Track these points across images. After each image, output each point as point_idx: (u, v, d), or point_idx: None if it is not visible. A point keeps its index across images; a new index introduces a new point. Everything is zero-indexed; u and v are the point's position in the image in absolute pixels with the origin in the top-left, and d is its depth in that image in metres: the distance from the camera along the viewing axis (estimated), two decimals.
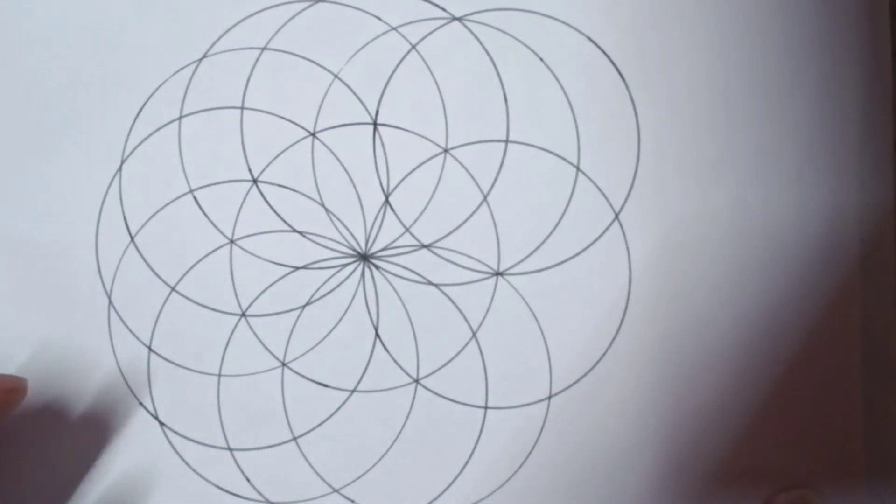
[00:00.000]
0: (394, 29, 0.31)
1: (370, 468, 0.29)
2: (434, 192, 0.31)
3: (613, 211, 0.30)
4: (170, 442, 0.29)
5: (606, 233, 0.30)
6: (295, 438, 0.29)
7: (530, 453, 0.29)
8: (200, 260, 0.31)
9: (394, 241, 0.31)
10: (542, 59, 0.31)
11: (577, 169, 0.31)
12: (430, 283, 0.30)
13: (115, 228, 0.31)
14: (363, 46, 0.31)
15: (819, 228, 0.31)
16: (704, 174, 0.31)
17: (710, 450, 0.30)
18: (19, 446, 0.31)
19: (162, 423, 0.29)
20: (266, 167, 0.31)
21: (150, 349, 0.31)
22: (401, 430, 0.29)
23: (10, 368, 0.31)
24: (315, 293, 0.30)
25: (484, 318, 0.30)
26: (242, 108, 0.31)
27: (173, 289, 0.31)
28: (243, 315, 0.31)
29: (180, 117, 0.31)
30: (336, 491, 0.29)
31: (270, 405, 0.29)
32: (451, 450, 0.29)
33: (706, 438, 0.30)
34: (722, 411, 0.30)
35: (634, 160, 0.31)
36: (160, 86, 0.32)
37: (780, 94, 0.31)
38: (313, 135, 0.31)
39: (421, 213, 0.31)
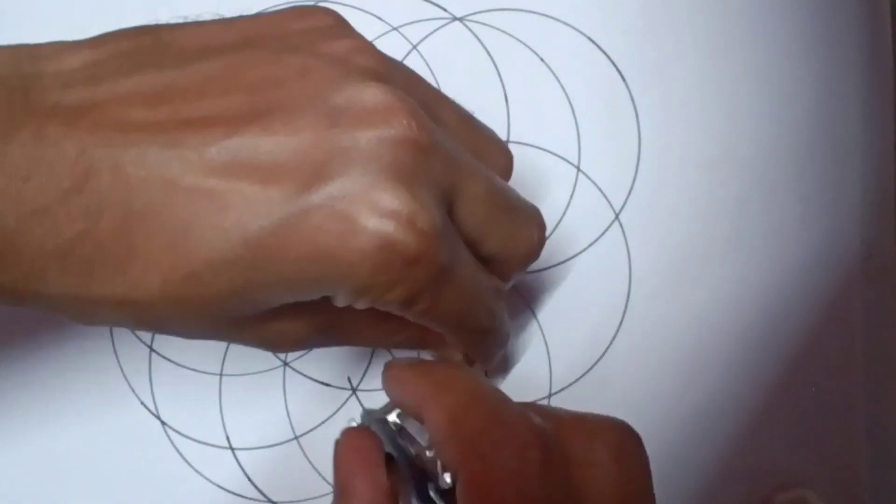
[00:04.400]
0: (395, 29, 0.31)
1: None
2: None
3: (613, 211, 0.31)
4: (171, 441, 0.29)
5: (606, 233, 0.30)
6: (297, 437, 0.29)
7: None
8: None
9: None
10: (542, 59, 0.31)
11: (578, 169, 0.31)
12: None
13: None
14: None
15: (820, 228, 0.31)
16: (704, 174, 0.31)
17: (710, 449, 0.30)
18: (19, 445, 0.31)
19: (163, 423, 0.29)
20: None
21: (151, 349, 0.31)
22: None
23: (10, 368, 0.31)
24: None
25: None
26: None
27: None
28: None
29: None
30: None
31: (272, 404, 0.29)
32: None
33: (706, 438, 0.30)
34: (721, 411, 0.30)
35: (635, 160, 0.31)
36: None
37: (780, 94, 0.31)
38: None
39: None
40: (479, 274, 0.22)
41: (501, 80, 0.31)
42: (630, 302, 0.30)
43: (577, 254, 0.30)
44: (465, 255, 0.21)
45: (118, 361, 0.31)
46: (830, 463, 0.30)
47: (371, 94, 0.19)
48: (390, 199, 0.19)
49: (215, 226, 0.18)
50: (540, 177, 0.31)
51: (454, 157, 0.20)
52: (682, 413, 0.30)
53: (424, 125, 0.19)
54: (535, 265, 0.30)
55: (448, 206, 0.21)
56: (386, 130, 0.19)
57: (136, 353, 0.31)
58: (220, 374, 0.30)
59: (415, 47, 0.31)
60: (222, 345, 0.30)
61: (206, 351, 0.30)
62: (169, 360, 0.31)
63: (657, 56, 0.31)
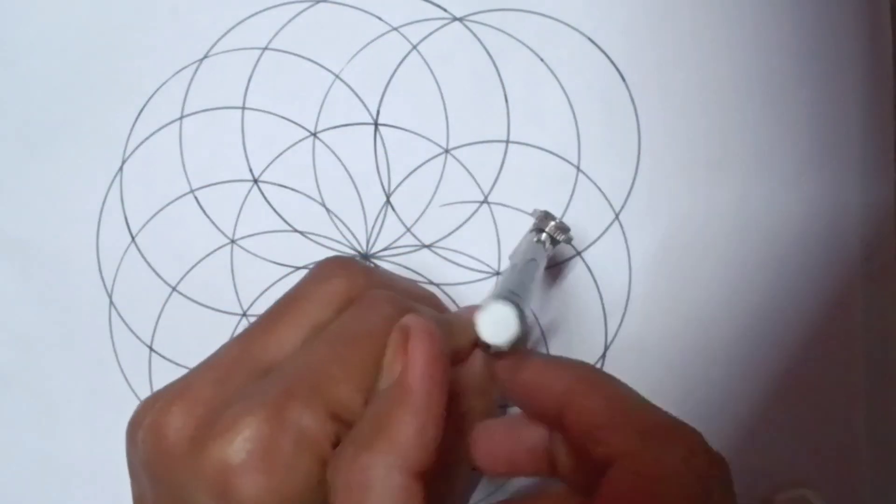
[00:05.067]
0: (395, 29, 0.31)
1: None
2: (435, 192, 0.31)
3: (613, 211, 0.31)
4: None
5: (606, 233, 0.30)
6: None
7: None
8: (201, 260, 0.31)
9: (395, 241, 0.31)
10: (542, 59, 0.31)
11: (578, 169, 0.31)
12: (431, 283, 0.30)
13: (116, 228, 0.31)
14: (364, 46, 0.31)
15: (820, 229, 0.31)
16: (704, 174, 0.31)
17: None
18: (20, 445, 0.31)
19: None
20: (267, 167, 0.31)
21: (151, 349, 0.31)
22: None
23: (10, 368, 0.31)
24: None
25: None
26: (243, 108, 0.31)
27: (174, 289, 0.31)
28: (244, 315, 0.31)
29: (181, 117, 0.31)
30: None
31: None
32: None
33: (706, 438, 0.30)
34: (722, 411, 0.30)
35: (634, 160, 0.31)
36: (161, 86, 0.32)
37: (780, 94, 0.31)
38: (314, 135, 0.31)
39: (422, 214, 0.31)
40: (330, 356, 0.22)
41: (501, 80, 0.31)
42: (630, 302, 0.30)
43: (577, 254, 0.30)
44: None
45: (118, 361, 0.31)
46: (830, 463, 0.30)
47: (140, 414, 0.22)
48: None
49: None
50: (540, 177, 0.31)
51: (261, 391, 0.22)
52: (681, 413, 0.30)
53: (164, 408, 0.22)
54: None
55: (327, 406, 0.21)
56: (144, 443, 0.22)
57: (136, 353, 0.31)
58: None
59: (415, 47, 0.31)
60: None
61: (207, 350, 0.30)
62: (169, 360, 0.31)
63: (657, 56, 0.31)
